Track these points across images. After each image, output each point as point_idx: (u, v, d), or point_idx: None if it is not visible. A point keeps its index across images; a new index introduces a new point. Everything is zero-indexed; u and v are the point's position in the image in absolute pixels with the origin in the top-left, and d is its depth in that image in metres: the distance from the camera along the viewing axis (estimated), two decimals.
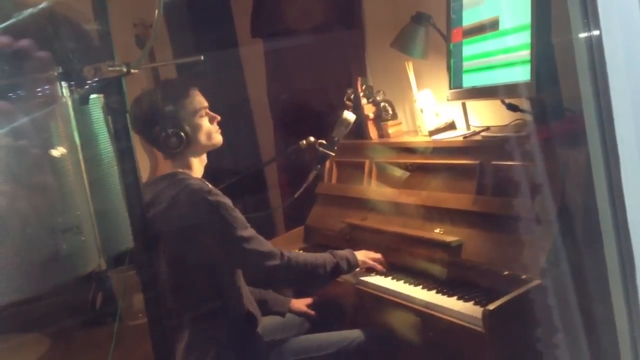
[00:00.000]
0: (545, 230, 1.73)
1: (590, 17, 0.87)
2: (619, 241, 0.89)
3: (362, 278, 2.21)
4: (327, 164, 2.72)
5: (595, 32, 0.88)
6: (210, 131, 2.02)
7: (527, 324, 1.65)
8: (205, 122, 2.00)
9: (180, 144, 1.93)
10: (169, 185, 1.92)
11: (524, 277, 1.75)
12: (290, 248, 2.69)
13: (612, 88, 0.86)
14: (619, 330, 0.94)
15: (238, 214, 1.91)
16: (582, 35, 0.92)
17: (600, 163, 0.88)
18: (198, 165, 2.04)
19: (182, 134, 1.93)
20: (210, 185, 1.95)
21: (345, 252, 2.13)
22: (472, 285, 1.93)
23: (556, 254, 1.68)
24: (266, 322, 2.14)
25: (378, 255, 2.23)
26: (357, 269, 2.18)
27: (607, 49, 0.86)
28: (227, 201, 1.91)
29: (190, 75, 1.99)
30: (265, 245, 1.94)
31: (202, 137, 1.99)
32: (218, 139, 2.05)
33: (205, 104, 2.02)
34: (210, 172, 2.11)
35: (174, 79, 2.01)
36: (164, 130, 1.91)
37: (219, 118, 2.05)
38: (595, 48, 0.88)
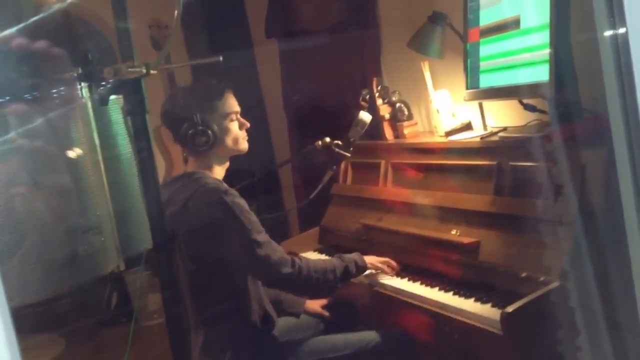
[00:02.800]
0: (563, 232, 1.72)
1: (617, 14, 0.86)
2: None
3: (378, 279, 2.20)
4: (343, 164, 2.71)
5: (622, 30, 0.87)
6: (237, 136, 2.02)
7: (546, 326, 1.63)
8: (234, 127, 2.01)
9: (207, 144, 1.94)
10: (185, 184, 1.93)
11: (542, 279, 1.73)
12: (305, 249, 2.69)
13: (638, 87, 0.84)
14: None
15: (253, 217, 1.91)
16: (608, 33, 0.90)
17: (625, 163, 0.86)
18: (219, 168, 2.04)
19: (210, 132, 1.93)
20: (226, 186, 1.95)
21: (353, 255, 2.13)
22: (490, 287, 1.91)
23: (575, 256, 1.67)
24: (281, 323, 2.14)
25: (386, 259, 2.22)
26: (366, 272, 2.16)
27: (634, 47, 0.84)
28: (243, 203, 1.91)
29: (216, 76, 2.00)
30: (277, 251, 1.93)
31: (229, 141, 2.00)
32: (244, 145, 2.06)
33: (237, 108, 2.03)
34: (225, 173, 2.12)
35: (211, 78, 2.02)
36: (192, 127, 1.92)
37: (248, 125, 2.06)
38: (621, 46, 0.87)
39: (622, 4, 0.83)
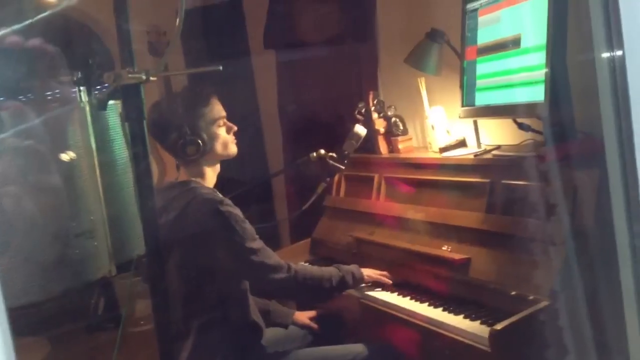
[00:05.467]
0: (554, 252, 1.73)
1: (614, 36, 0.87)
2: (635, 265, 0.88)
3: (368, 292, 2.20)
4: (336, 177, 2.72)
5: (619, 53, 0.88)
6: (226, 141, 2.03)
7: (534, 345, 1.64)
8: (222, 132, 2.02)
9: (197, 152, 1.94)
10: (180, 194, 1.93)
11: (531, 297, 1.74)
12: (296, 260, 2.68)
13: (633, 110, 0.85)
14: (632, 356, 0.93)
15: (248, 225, 1.92)
16: (605, 55, 0.92)
17: (619, 185, 0.87)
18: (211, 174, 2.04)
19: (199, 141, 1.93)
20: (221, 196, 1.95)
21: (351, 267, 2.13)
22: (479, 304, 1.92)
23: (565, 276, 1.67)
24: (269, 334, 2.13)
25: (384, 273, 2.23)
26: (363, 284, 2.17)
27: (630, 70, 0.85)
28: (238, 212, 1.91)
29: (210, 84, 2.00)
30: (272, 257, 1.94)
31: (219, 147, 2.00)
32: (233, 149, 2.06)
33: (224, 113, 2.03)
34: (218, 182, 2.12)
35: (195, 86, 2.01)
36: (182, 137, 1.92)
37: (235, 128, 2.06)
38: (618, 68, 0.88)
39: (620, 26, 0.84)
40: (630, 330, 0.90)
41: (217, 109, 2.01)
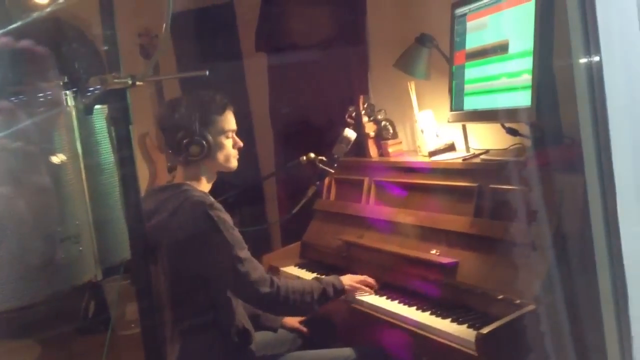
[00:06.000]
0: (540, 256, 1.74)
1: (592, 42, 0.88)
2: (612, 270, 0.89)
3: (357, 296, 2.20)
4: (326, 180, 2.73)
5: (596, 58, 0.89)
6: (229, 154, 2.05)
7: (520, 348, 1.65)
8: (228, 144, 2.04)
9: (199, 154, 1.96)
10: (172, 196, 1.94)
11: (518, 302, 1.75)
12: (286, 263, 2.70)
13: (610, 115, 0.86)
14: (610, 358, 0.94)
15: (237, 232, 1.93)
16: (583, 60, 0.93)
17: (596, 191, 0.88)
18: (206, 182, 2.06)
19: (205, 144, 1.95)
20: (212, 199, 1.96)
21: (331, 278, 2.14)
22: (467, 308, 1.93)
23: (551, 280, 1.68)
24: (258, 337, 2.13)
25: (363, 278, 2.23)
26: (343, 295, 2.17)
27: (607, 76, 0.87)
28: (228, 218, 1.92)
29: (202, 86, 2.02)
30: (257, 270, 1.94)
31: (221, 157, 2.03)
32: (234, 163, 2.08)
33: (235, 127, 2.06)
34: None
35: (215, 93, 2.04)
36: (189, 136, 1.94)
37: (241, 144, 2.09)
38: (595, 74, 0.89)
39: (597, 32, 0.86)
40: (608, 334, 0.91)
41: (230, 121, 2.05)
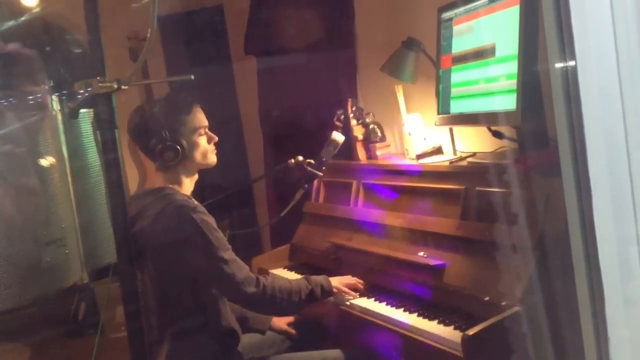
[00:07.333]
0: (526, 258, 1.75)
1: (567, 47, 0.90)
2: (589, 272, 0.91)
3: (345, 298, 2.21)
4: (315, 183, 2.74)
5: (571, 63, 0.91)
6: (206, 151, 2.04)
7: (506, 350, 1.66)
8: (202, 141, 2.03)
9: (175, 158, 1.94)
10: (155, 200, 1.93)
11: (503, 303, 1.76)
12: (275, 265, 2.70)
13: (585, 119, 0.88)
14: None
15: (220, 234, 1.93)
16: (559, 65, 0.94)
17: (573, 194, 0.90)
18: (188, 182, 2.05)
19: (179, 148, 1.94)
20: (196, 202, 1.96)
21: (320, 279, 2.13)
22: (454, 310, 1.94)
23: (535, 282, 1.70)
24: (246, 340, 2.14)
25: (353, 281, 2.23)
26: (331, 297, 2.17)
27: (582, 80, 0.88)
28: (211, 220, 1.92)
29: (191, 90, 2.02)
30: (243, 270, 1.94)
31: (198, 155, 2.02)
32: (212, 159, 2.07)
33: (206, 123, 2.04)
34: (199, 187, 2.13)
35: (180, 93, 2.02)
36: (161, 143, 1.93)
37: (216, 139, 2.07)
38: (571, 78, 0.91)
39: (572, 37, 0.87)
40: (585, 335, 0.92)
41: (199, 118, 2.03)
